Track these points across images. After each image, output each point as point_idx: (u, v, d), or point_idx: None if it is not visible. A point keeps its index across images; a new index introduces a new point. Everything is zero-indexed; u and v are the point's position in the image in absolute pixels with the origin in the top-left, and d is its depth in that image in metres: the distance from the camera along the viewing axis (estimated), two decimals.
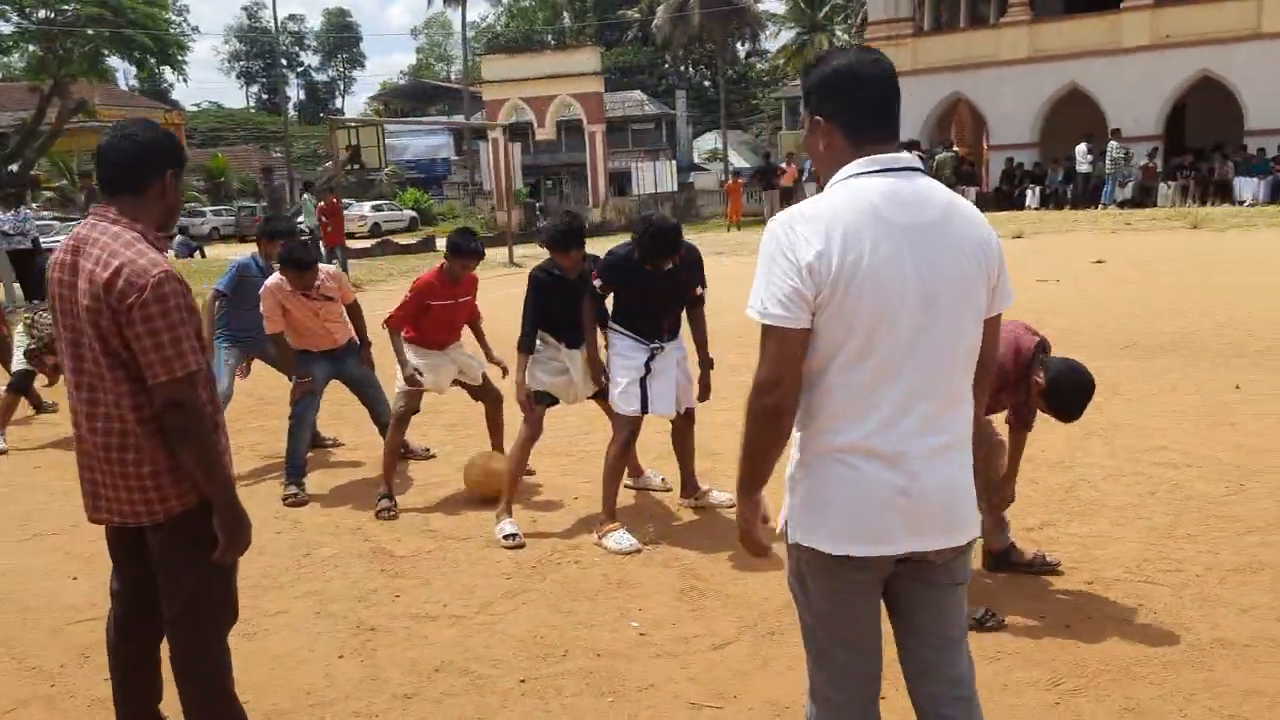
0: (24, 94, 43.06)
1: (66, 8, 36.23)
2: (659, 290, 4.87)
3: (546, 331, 5.17)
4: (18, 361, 7.69)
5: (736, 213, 25.98)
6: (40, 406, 8.53)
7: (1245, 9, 22.66)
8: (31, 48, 37.12)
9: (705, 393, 5.06)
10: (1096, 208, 22.10)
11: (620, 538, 4.81)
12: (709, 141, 60.58)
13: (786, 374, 2.06)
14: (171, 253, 20.03)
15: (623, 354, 5.00)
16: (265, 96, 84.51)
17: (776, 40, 56.44)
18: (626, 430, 4.94)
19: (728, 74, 70.49)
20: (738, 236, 23.11)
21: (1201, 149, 23.24)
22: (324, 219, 16.00)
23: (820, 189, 2.17)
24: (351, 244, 32.30)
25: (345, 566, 4.82)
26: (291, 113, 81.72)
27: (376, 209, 43.90)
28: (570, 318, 5.13)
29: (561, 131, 47.25)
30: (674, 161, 49.57)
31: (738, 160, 54.26)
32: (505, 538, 4.97)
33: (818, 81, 2.17)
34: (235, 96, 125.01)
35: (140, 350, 2.60)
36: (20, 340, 7.73)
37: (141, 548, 2.87)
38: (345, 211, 41.51)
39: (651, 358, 4.93)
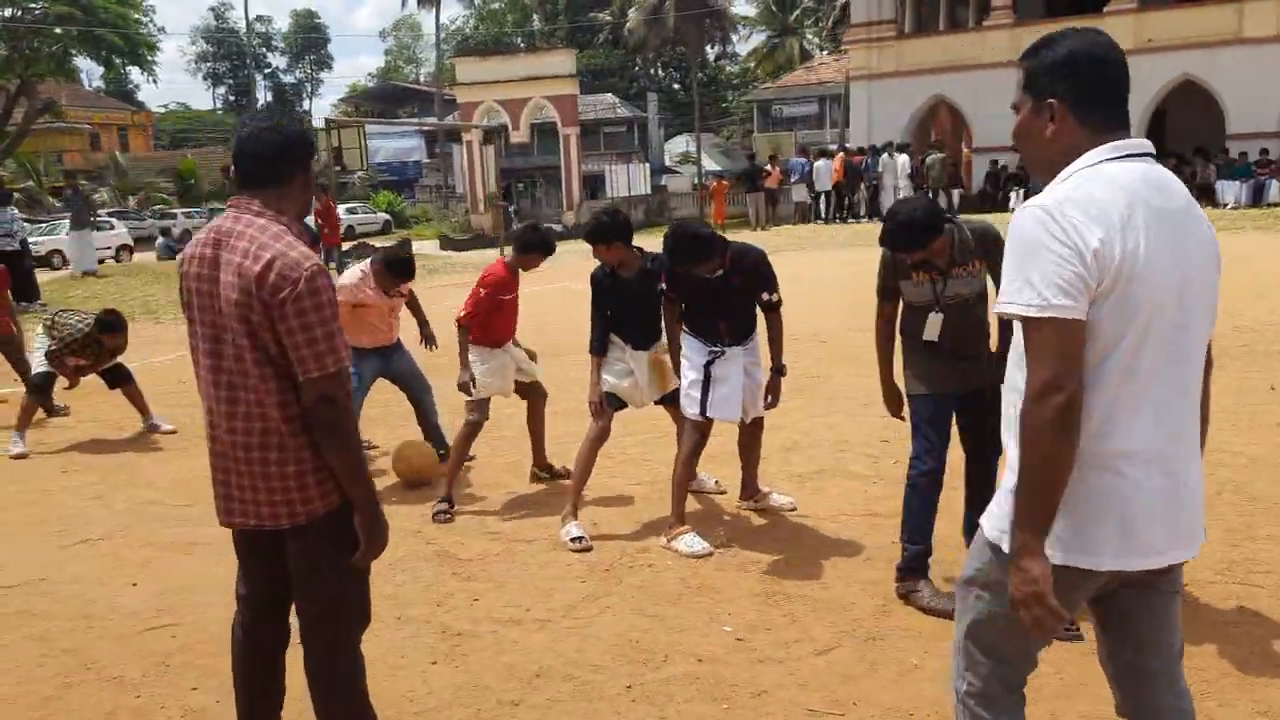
0: None
1: (34, 6, 35.64)
2: (711, 296, 4.82)
3: (612, 332, 5.12)
4: (39, 363, 7.51)
5: (721, 215, 25.98)
6: (52, 410, 8.33)
7: (1227, 13, 23.03)
8: None
9: (772, 399, 4.99)
10: None
11: (691, 541, 4.77)
12: (680, 144, 60.68)
13: (1074, 368, 1.91)
14: (152, 254, 19.78)
15: (686, 355, 4.97)
16: (232, 98, 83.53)
17: (747, 43, 56.55)
18: (695, 434, 4.89)
19: (700, 78, 70.75)
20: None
21: (1182, 153, 23.57)
22: (319, 220, 15.78)
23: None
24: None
25: (414, 570, 4.73)
26: None
27: (351, 211, 43.40)
28: (630, 318, 5.09)
29: (535, 134, 47.12)
30: (647, 164, 49.62)
31: (709, 163, 54.34)
32: (572, 540, 4.90)
33: (1053, 63, 2.08)
34: (201, 97, 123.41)
35: (292, 345, 2.54)
36: (41, 341, 7.54)
37: (274, 552, 2.80)
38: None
39: (712, 361, 4.89)
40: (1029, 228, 1.97)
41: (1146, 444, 1.98)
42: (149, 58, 39.79)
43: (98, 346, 7.47)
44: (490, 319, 5.53)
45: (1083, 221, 1.92)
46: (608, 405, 5.08)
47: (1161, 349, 1.98)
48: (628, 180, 46.04)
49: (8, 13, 34.40)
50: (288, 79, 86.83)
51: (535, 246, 5.52)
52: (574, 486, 5.08)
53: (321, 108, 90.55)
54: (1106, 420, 1.97)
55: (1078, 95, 2.04)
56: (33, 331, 8.24)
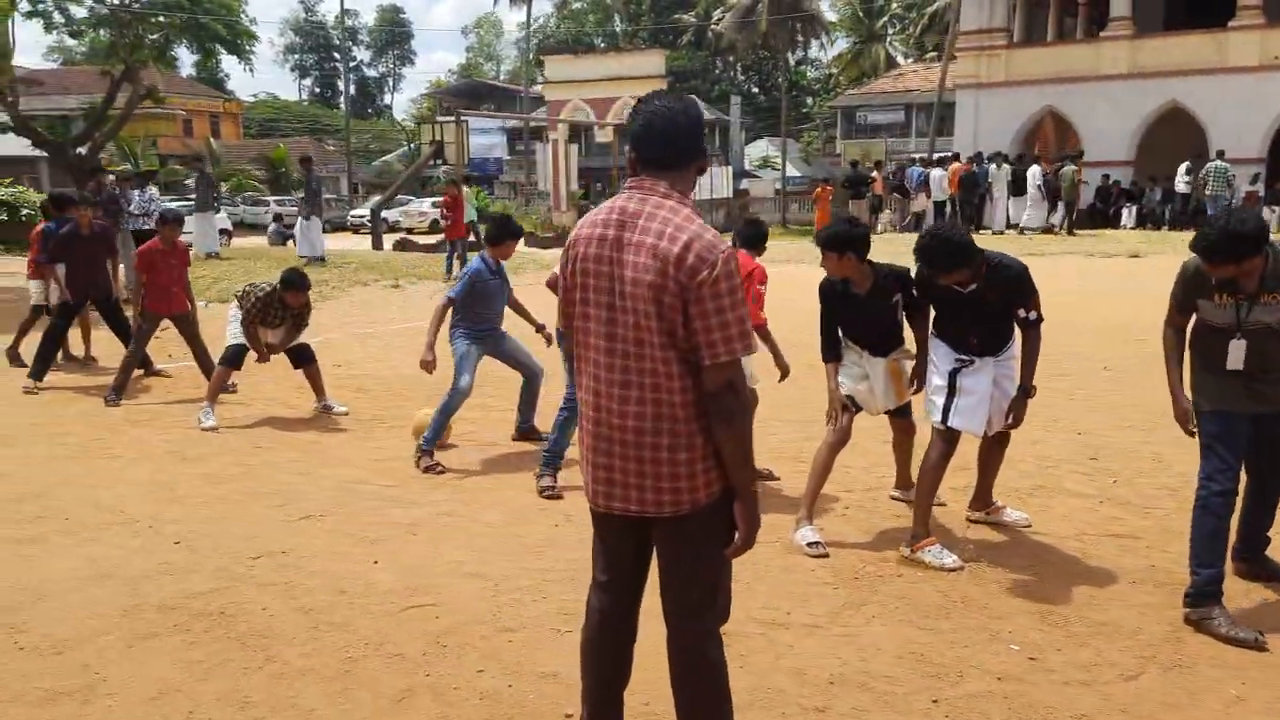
0: (88, 78, 43.48)
1: None
2: (962, 307, 4.69)
3: (848, 338, 5.03)
4: (232, 335, 7.62)
5: (824, 219, 25.67)
6: (148, 367, 8.90)
7: None
8: (103, 32, 37.34)
9: (1013, 419, 4.79)
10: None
11: (940, 553, 4.66)
12: (760, 148, 60.30)
13: None
14: (252, 239, 20.11)
15: (932, 360, 4.86)
16: (318, 90, 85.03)
17: (830, 49, 56.04)
18: (941, 443, 4.77)
19: (781, 81, 70.34)
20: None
21: None
22: (446, 211, 15.90)
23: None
24: (419, 239, 32.48)
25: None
26: (344, 106, 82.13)
27: (435, 205, 43.93)
28: (864, 328, 4.98)
29: (616, 134, 47.18)
30: (729, 167, 49.45)
31: (790, 169, 53.96)
32: (809, 545, 4.82)
33: None
34: (286, 88, 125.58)
35: (704, 328, 2.50)
36: (234, 313, 7.66)
37: (646, 539, 2.76)
38: (406, 208, 41.71)
39: (958, 370, 4.76)
40: None
41: None
42: (248, 48, 40.69)
43: (281, 307, 7.53)
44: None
45: None
46: (844, 410, 4.97)
47: None
48: (710, 182, 45.96)
49: (116, 0, 35.33)
50: (370, 73, 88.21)
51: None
52: (810, 491, 4.98)
53: (401, 102, 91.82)
54: None
55: None
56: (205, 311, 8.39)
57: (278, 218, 29.92)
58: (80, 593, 4.42)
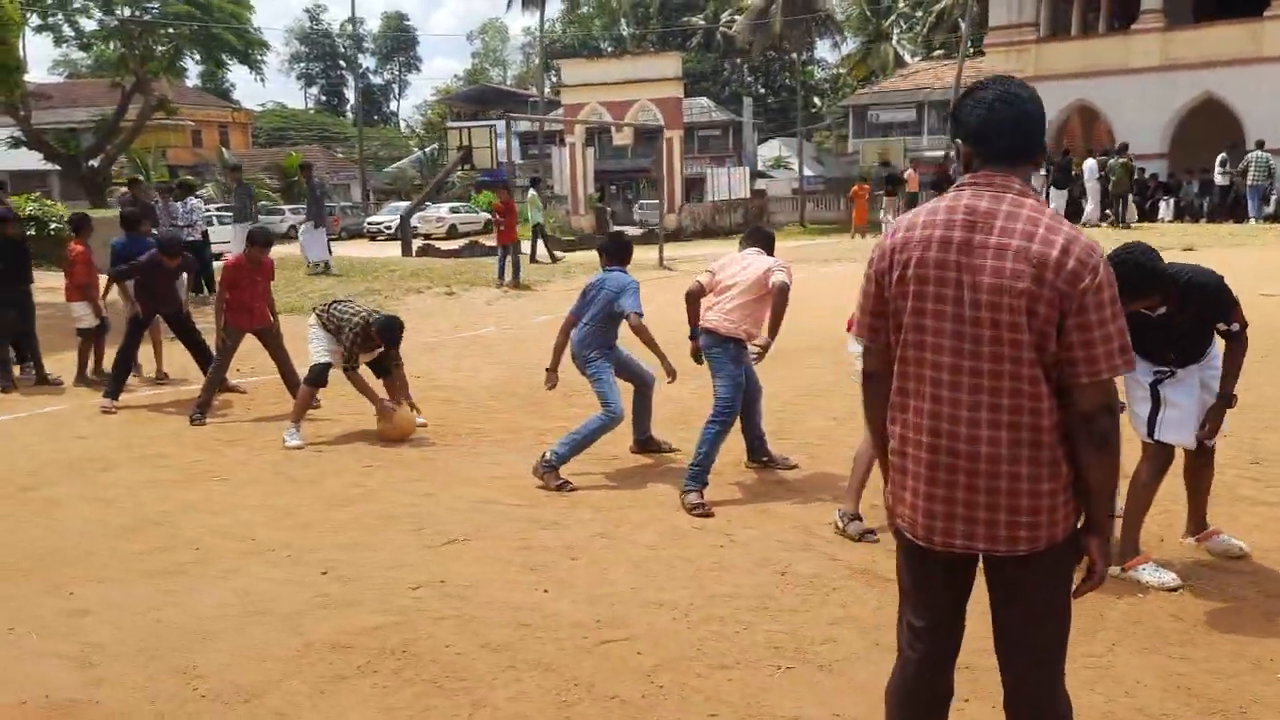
0: (98, 90, 43.28)
1: (153, 5, 36.39)
2: (1151, 332, 4.33)
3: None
4: (317, 353, 7.31)
5: (862, 218, 25.40)
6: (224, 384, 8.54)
7: None
8: (113, 45, 37.18)
9: (1209, 429, 4.48)
10: (1242, 222, 21.39)
11: (1158, 571, 4.34)
12: (772, 149, 60.05)
13: None
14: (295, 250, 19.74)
15: (1133, 374, 4.53)
16: (324, 98, 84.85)
17: (839, 49, 55.82)
18: (1153, 459, 4.45)
19: (788, 82, 70.08)
20: (861, 244, 22.55)
21: None
22: (498, 217, 15.60)
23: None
24: (439, 244, 32.20)
25: (843, 589, 4.36)
26: (349, 114, 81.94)
27: (453, 211, 43.69)
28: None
29: (637, 137, 46.88)
30: (746, 168, 49.22)
31: (805, 169, 53.71)
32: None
33: None
34: (292, 97, 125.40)
35: (1084, 341, 2.22)
36: (316, 334, 7.35)
37: (970, 579, 2.47)
38: (423, 213, 41.41)
39: (1159, 381, 4.45)
40: None
41: None
42: (259, 57, 40.50)
43: (368, 340, 7.27)
44: None
45: None
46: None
47: None
48: (728, 183, 45.78)
49: (126, 11, 35.09)
50: (375, 80, 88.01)
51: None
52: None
53: (407, 109, 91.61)
54: None
55: None
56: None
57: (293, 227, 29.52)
58: (242, 631, 4.11)
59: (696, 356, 5.94)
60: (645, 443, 6.68)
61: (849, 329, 5.44)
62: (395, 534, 5.26)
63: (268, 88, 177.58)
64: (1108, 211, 21.19)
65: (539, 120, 39.56)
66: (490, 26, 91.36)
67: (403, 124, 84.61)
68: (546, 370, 6.44)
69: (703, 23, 65.06)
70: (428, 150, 52.72)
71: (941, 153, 38.05)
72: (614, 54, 61.80)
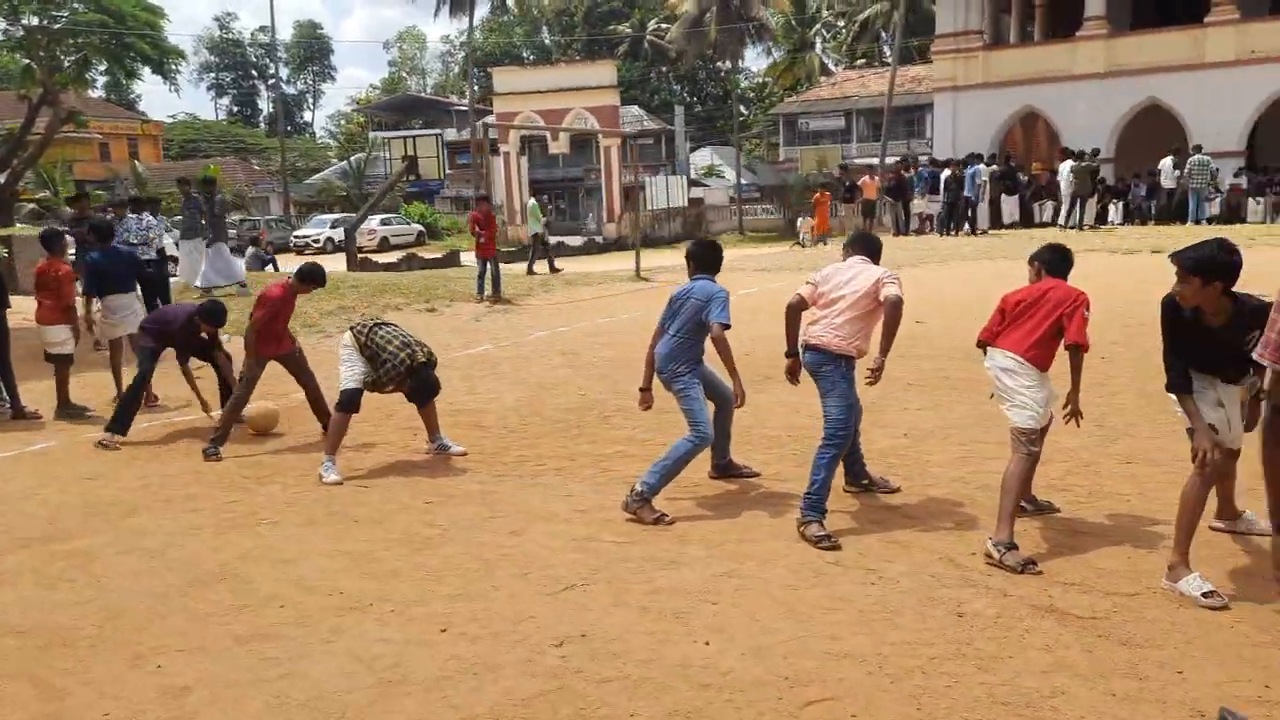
0: (4, 103, 41.29)
1: (61, 14, 34.73)
2: (1207, 343, 4.27)
3: (1192, 367, 4.43)
4: (350, 378, 6.74)
5: (824, 226, 25.31)
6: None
7: None
8: (19, 55, 35.38)
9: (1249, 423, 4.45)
10: (1183, 224, 21.88)
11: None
12: (703, 157, 60.16)
13: None
14: (241, 263, 18.78)
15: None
16: (236, 109, 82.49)
17: (775, 55, 56.25)
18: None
19: (714, 90, 70.39)
20: (817, 253, 22.44)
21: (1276, 167, 23.34)
22: (476, 229, 14.98)
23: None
24: (375, 258, 31.27)
25: (1037, 631, 4.01)
26: (262, 125, 79.73)
27: (385, 223, 42.58)
28: (1208, 359, 4.39)
29: (568, 146, 46.38)
30: (683, 177, 49.14)
31: (733, 176, 53.86)
32: (1204, 596, 4.18)
33: None
34: (203, 108, 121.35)
35: None
36: (348, 355, 6.78)
37: None
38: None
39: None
40: None
41: None
42: (173, 67, 38.99)
43: (404, 379, 6.76)
44: None
45: None
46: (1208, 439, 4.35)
47: None
48: (666, 192, 45.64)
49: (33, 20, 33.42)
50: (289, 89, 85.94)
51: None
52: (1183, 532, 4.36)
53: (322, 119, 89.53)
54: None
55: None
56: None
57: (254, 241, 28.35)
58: (388, 709, 3.59)
59: (793, 375, 5.57)
60: (726, 467, 6.27)
61: (980, 344, 5.17)
62: (503, 580, 4.77)
63: (178, 98, 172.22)
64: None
65: (495, 126, 38.49)
66: (408, 34, 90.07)
67: (320, 134, 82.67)
68: (640, 390, 5.99)
69: (630, 31, 64.96)
70: (352, 161, 51.33)
71: (875, 160, 38.50)
72: (548, 61, 61.40)
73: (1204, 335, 4.33)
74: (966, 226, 21.86)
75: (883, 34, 58.91)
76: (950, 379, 8.71)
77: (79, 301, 8.87)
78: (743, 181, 48.83)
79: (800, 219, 28.76)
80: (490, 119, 44.22)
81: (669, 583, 4.66)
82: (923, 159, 26.02)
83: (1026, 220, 24.10)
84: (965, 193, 22.29)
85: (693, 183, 53.01)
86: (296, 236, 41.13)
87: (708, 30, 43.58)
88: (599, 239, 40.08)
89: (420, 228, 44.33)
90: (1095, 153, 22.14)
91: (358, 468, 6.89)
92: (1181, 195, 22.68)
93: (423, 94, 74.25)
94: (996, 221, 22.96)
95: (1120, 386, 8.13)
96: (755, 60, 63.05)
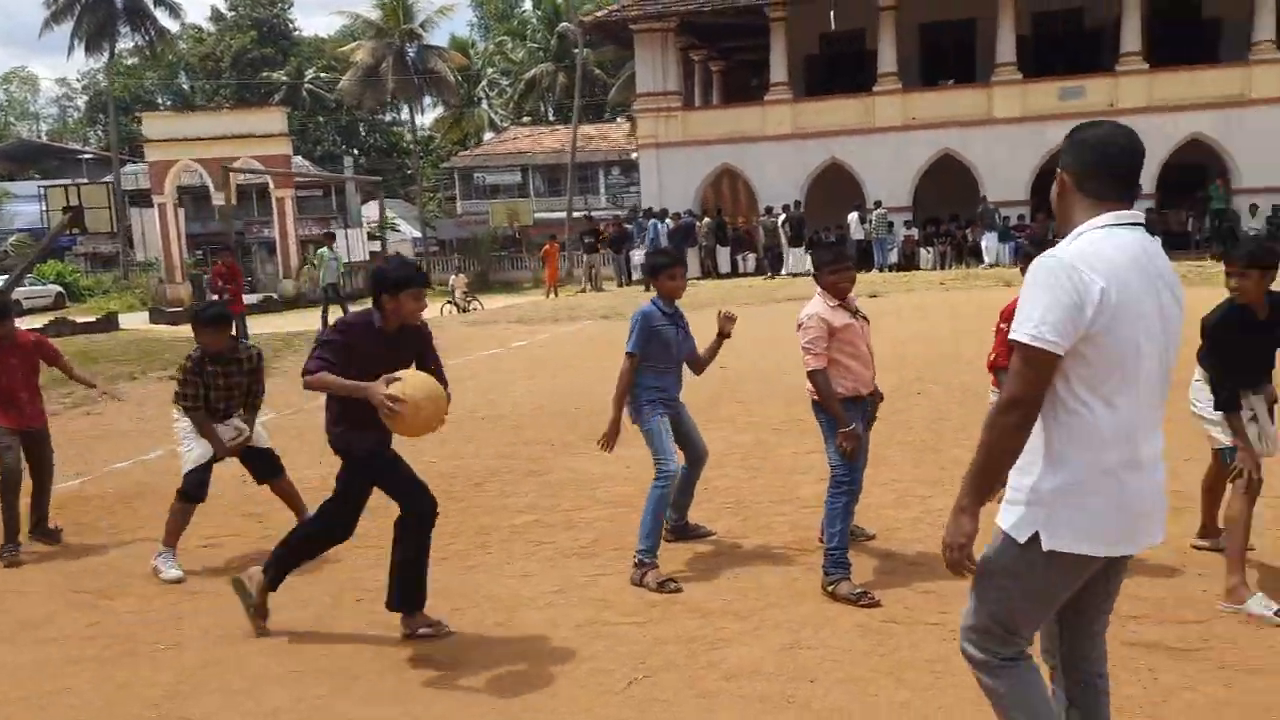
0: None
1: None
2: (1255, 347, 4.55)
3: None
4: (190, 458, 5.52)
5: (554, 277, 24.94)
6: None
7: (978, 97, 26.21)
8: None
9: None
10: (868, 271, 24.08)
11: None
12: (370, 210, 58.32)
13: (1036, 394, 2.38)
14: None
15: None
16: None
17: (449, 106, 55.90)
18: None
19: (376, 143, 68.67)
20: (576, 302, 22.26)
21: (939, 218, 26.41)
22: (222, 283, 13.13)
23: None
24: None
25: (1154, 666, 3.91)
26: None
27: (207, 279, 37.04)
28: (1246, 363, 4.58)
29: (234, 198, 43.04)
30: (362, 229, 47.27)
31: (409, 230, 52.66)
32: (1276, 614, 4.25)
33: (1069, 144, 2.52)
34: None
35: None
36: (182, 424, 5.56)
37: None
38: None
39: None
40: (1044, 272, 2.37)
41: (1135, 454, 2.44)
42: None
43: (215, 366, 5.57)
44: None
45: (1087, 275, 2.33)
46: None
47: (1144, 378, 2.43)
48: (347, 246, 43.58)
49: None
50: None
51: None
52: (1235, 553, 4.45)
53: None
54: (1109, 434, 2.41)
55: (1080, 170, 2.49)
56: None
57: None
58: None
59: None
60: (681, 529, 5.75)
61: (990, 368, 5.09)
62: (562, 684, 3.98)
63: None
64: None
65: (249, 171, 34.59)
66: (14, 75, 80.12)
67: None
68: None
69: (286, 78, 61.89)
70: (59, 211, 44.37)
71: (563, 213, 39.23)
72: (190, 108, 56.87)
73: (1256, 338, 4.49)
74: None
75: (548, 94, 60.51)
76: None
77: None
78: (418, 235, 47.72)
79: (453, 276, 28.31)
80: (141, 166, 40.13)
81: (739, 663, 4.12)
82: (647, 209, 26.75)
83: (732, 269, 25.50)
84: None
85: (371, 236, 51.17)
86: None
87: (385, 79, 42.44)
88: (276, 296, 37.43)
89: (58, 289, 39.25)
90: (798, 204, 23.85)
91: (225, 563, 5.64)
92: (867, 245, 24.94)
93: (45, 140, 66.18)
94: (714, 272, 24.05)
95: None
96: (418, 114, 61.90)
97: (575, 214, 38.22)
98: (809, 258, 25.15)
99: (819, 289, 4.95)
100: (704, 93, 32.56)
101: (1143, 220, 2.47)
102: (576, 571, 5.31)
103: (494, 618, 4.73)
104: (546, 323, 18.18)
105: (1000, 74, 25.76)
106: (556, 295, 23.56)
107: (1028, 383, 2.35)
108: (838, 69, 28.32)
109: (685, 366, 5.46)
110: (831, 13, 26.19)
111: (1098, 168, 2.45)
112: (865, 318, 5.01)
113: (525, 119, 63.04)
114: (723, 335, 5.38)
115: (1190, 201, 24.27)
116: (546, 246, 25.19)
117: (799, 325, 4.90)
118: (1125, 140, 2.46)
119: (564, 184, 42.35)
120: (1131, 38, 25.21)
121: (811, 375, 4.81)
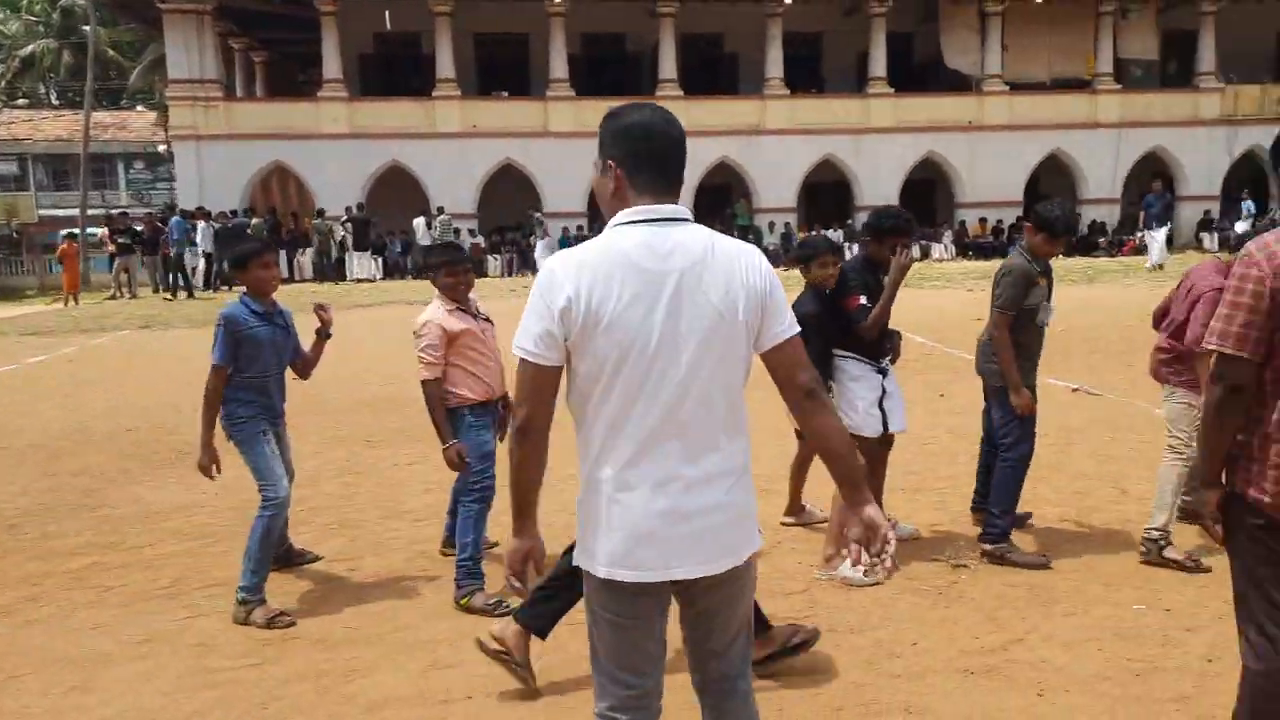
0: None
1: None
2: None
3: None
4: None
5: (75, 284, 21.35)
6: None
7: (536, 109, 27.05)
8: None
9: None
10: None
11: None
12: None
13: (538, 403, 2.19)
14: None
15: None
16: None
17: None
18: None
19: None
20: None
21: (505, 226, 27.00)
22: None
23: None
24: None
25: None
26: None
27: None
28: None
29: None
30: None
31: None
32: None
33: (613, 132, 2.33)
34: None
35: None
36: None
37: None
38: None
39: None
40: (537, 279, 2.24)
41: (633, 471, 2.17)
42: None
43: None
44: None
45: (560, 281, 2.14)
46: None
47: (636, 389, 2.15)
48: None
49: None
50: None
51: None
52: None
53: None
54: (600, 450, 2.20)
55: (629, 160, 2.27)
56: None
57: None
58: None
59: None
60: (286, 556, 5.18)
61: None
62: None
63: None
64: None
65: None
66: None
67: None
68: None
69: None
70: None
71: (74, 210, 34.71)
72: None
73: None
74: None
75: (50, 75, 53.42)
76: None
77: None
78: None
79: None
80: None
81: (377, 694, 3.75)
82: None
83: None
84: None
85: None
86: None
87: None
88: None
89: None
90: (361, 207, 23.07)
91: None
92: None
93: None
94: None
95: None
96: None
97: (91, 210, 33.89)
98: (375, 262, 24.60)
99: (436, 293, 4.72)
100: (247, 84, 30.50)
101: (673, 214, 2.21)
102: (162, 616, 4.58)
103: (69, 679, 3.91)
104: (72, 334, 15.95)
105: (555, 89, 26.85)
106: (78, 303, 20.57)
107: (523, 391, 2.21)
108: (395, 70, 27.90)
109: (291, 371, 4.94)
110: (387, 13, 25.72)
111: (647, 157, 2.23)
112: (489, 319, 4.84)
113: (21, 100, 54.95)
114: (323, 333, 4.94)
115: (721, 219, 27.05)
116: (64, 247, 21.87)
117: (415, 332, 4.63)
118: (664, 124, 2.27)
119: (75, 177, 37.41)
120: (668, 65, 27.52)
121: (422, 385, 4.57)
